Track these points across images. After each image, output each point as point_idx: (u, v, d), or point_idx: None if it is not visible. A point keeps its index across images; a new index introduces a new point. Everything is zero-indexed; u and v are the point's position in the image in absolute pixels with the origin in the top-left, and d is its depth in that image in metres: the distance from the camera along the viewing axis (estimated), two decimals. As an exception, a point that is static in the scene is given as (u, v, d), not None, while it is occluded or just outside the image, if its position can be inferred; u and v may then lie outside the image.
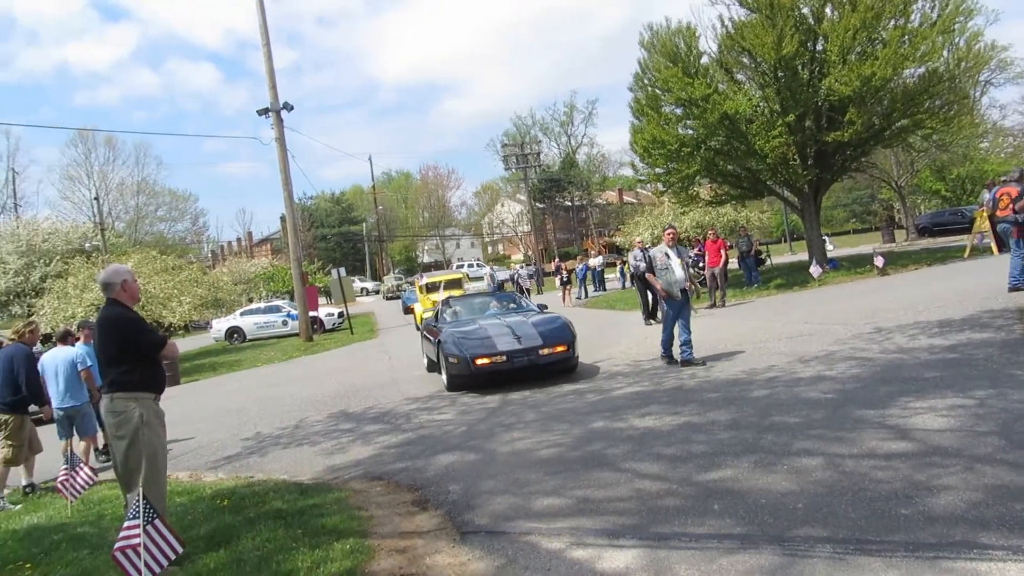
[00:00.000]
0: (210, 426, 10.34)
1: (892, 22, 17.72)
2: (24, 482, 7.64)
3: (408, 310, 28.53)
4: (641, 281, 14.76)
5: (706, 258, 17.57)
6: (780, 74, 18.60)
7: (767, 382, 7.62)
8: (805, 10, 18.85)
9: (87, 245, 30.31)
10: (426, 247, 78.64)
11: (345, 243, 70.56)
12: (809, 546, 3.52)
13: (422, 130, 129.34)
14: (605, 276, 32.82)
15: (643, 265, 11.67)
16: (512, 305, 12.35)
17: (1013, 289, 10.74)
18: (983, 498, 3.79)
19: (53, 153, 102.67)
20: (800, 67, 18.75)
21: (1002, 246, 18.49)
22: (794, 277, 20.07)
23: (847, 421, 5.65)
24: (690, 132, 19.78)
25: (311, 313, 25.55)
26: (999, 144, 43.27)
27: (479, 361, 9.45)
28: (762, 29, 17.68)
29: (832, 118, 19.25)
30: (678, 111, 20.08)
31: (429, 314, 18.00)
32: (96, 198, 49.32)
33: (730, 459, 5.08)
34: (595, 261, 32.55)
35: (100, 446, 9.06)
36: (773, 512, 4.01)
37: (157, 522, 3.68)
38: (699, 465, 5.07)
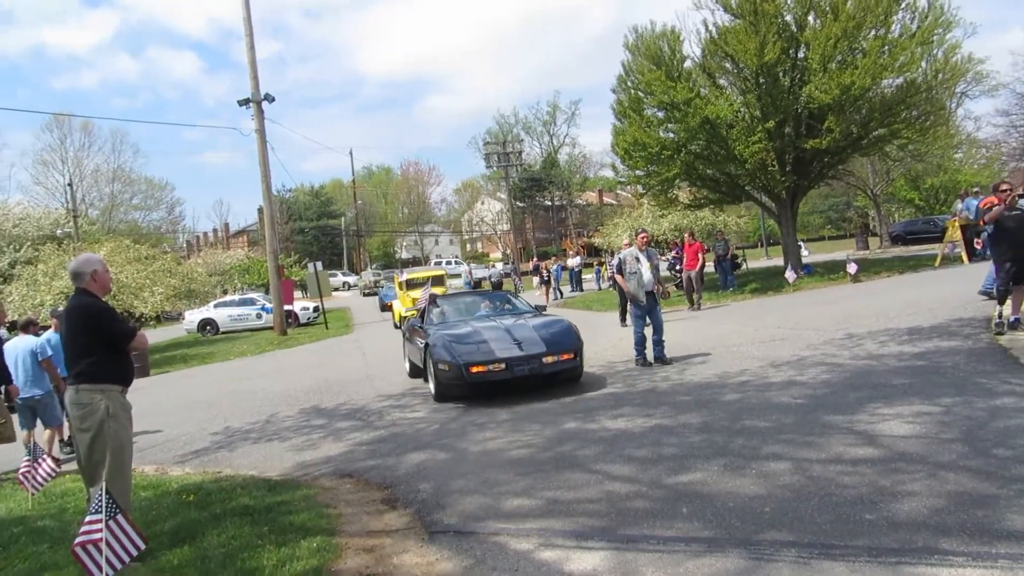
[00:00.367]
0: (179, 419, 10.20)
1: (872, 32, 17.97)
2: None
3: (386, 307, 27.87)
4: None
5: (683, 261, 17.68)
6: (762, 80, 18.79)
7: (739, 386, 7.68)
8: (788, 18, 19.06)
9: (59, 232, 29.89)
10: (404, 243, 78.32)
11: (323, 237, 69.99)
12: (775, 550, 3.55)
13: (405, 126, 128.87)
14: (583, 277, 32.91)
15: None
16: (507, 305, 11.09)
17: (983, 293, 10.92)
18: (946, 504, 3.85)
19: (27, 137, 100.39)
20: (781, 74, 18.96)
21: (972, 256, 18.86)
22: (769, 282, 20.25)
23: (816, 426, 5.71)
24: (671, 135, 19.90)
25: (286, 307, 25.32)
26: (973, 155, 43.95)
27: (474, 369, 8.32)
28: (745, 35, 17.84)
29: (811, 125, 19.49)
30: (660, 114, 20.19)
31: (408, 312, 17.56)
32: (70, 184, 48.47)
33: (700, 462, 5.11)
34: (573, 261, 32.64)
35: (65, 437, 8.90)
36: (741, 516, 4.03)
37: (120, 517, 3.61)
38: (669, 468, 5.09)
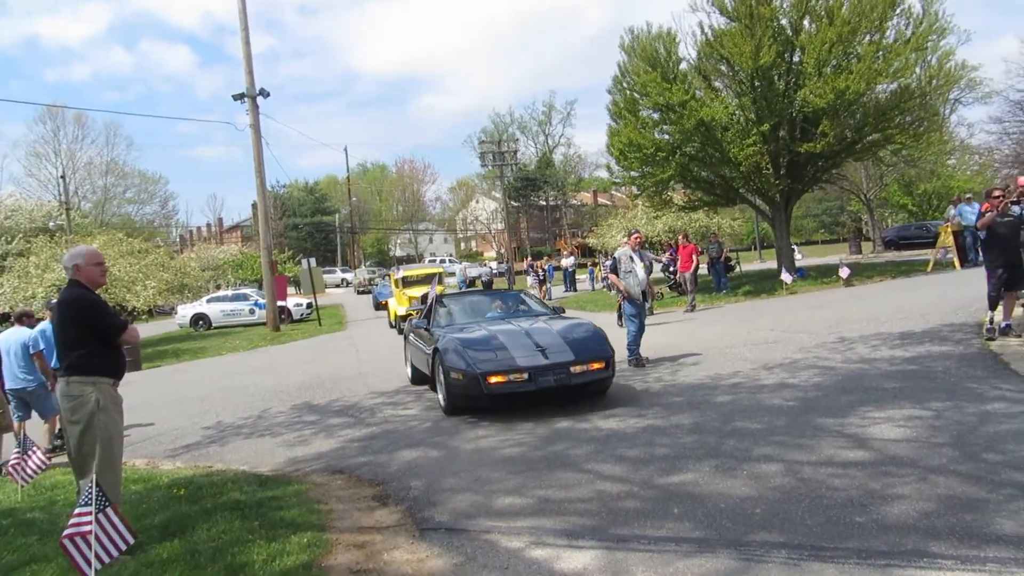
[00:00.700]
0: (171, 413, 10.16)
1: (867, 37, 18.01)
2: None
3: (380, 306, 27.23)
4: None
5: (678, 262, 17.72)
6: (757, 83, 18.82)
7: (731, 388, 7.70)
8: (784, 21, 19.08)
9: (51, 224, 29.69)
10: (399, 240, 78.24)
11: (317, 233, 69.87)
12: (765, 551, 3.56)
13: (400, 124, 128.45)
14: (576, 277, 32.94)
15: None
16: (521, 306, 9.85)
17: None
18: (935, 508, 3.87)
19: (20, 129, 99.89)
20: (776, 77, 18.99)
21: (964, 261, 18.95)
22: (762, 284, 20.29)
23: (807, 429, 5.73)
24: (666, 137, 19.90)
25: (279, 303, 25.25)
26: (966, 161, 44.09)
27: (493, 379, 7.18)
28: (741, 38, 17.87)
29: (806, 129, 19.53)
30: (655, 116, 20.20)
31: (404, 311, 17.19)
32: (63, 176, 48.33)
33: (691, 463, 5.13)
34: (567, 261, 32.67)
35: (57, 429, 8.87)
36: (731, 516, 4.05)
37: (109, 510, 3.60)
38: (661, 468, 5.11)
